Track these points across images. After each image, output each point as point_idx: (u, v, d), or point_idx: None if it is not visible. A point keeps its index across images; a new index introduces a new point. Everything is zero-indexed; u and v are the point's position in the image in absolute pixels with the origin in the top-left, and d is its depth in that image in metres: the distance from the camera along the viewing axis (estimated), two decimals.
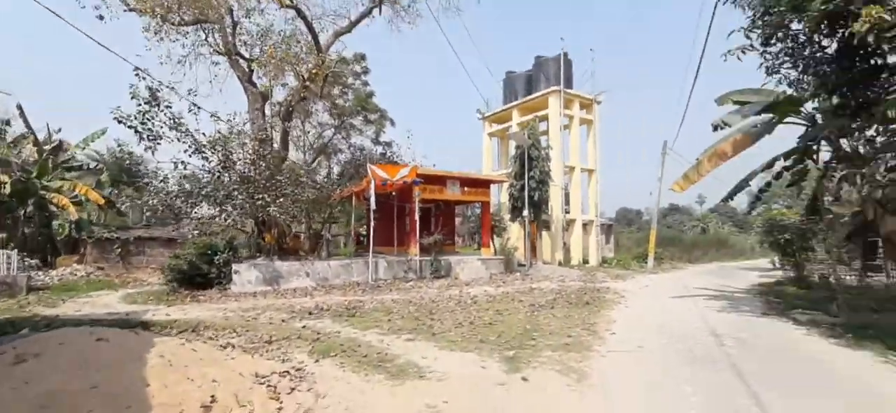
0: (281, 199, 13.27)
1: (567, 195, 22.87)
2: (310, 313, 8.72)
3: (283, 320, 8.07)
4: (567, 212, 22.10)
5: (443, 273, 16.23)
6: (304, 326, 7.50)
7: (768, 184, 11.45)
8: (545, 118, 21.74)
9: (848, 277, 10.33)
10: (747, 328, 7.81)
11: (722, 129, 9.70)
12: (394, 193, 17.78)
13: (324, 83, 17.27)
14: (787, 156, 10.43)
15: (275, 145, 16.09)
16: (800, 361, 5.79)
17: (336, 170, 23.96)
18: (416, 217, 16.15)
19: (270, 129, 15.93)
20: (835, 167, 9.57)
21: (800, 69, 7.23)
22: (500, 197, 22.10)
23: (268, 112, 16.94)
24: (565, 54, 21.89)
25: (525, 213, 17.97)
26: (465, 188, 18.50)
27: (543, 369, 5.30)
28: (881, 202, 8.61)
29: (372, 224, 15.58)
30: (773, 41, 7.35)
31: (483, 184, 18.82)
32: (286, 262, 13.60)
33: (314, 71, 15.81)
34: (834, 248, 9.06)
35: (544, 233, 22.10)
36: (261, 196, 12.94)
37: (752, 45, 7.42)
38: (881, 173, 6.00)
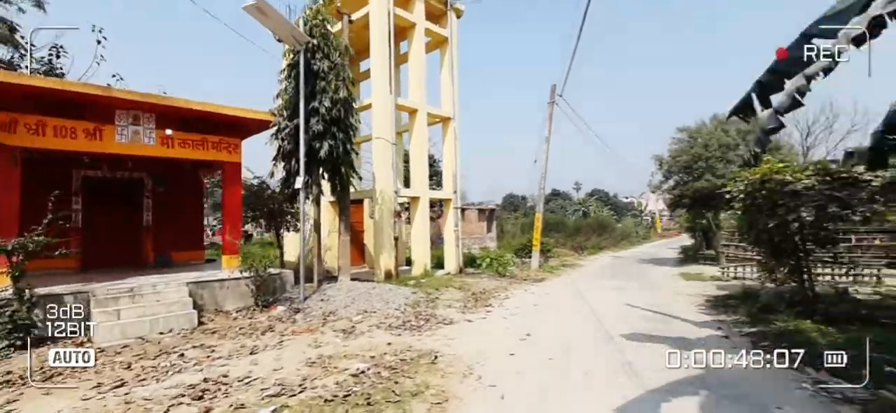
0: None
1: (406, 161, 14.24)
2: None
3: None
4: (405, 186, 13.49)
5: (37, 332, 6.26)
6: None
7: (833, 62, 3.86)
8: (366, 25, 12.48)
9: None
10: None
11: None
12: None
13: None
14: None
15: None
16: None
17: None
18: None
19: None
20: None
21: None
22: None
23: None
24: None
25: (298, 182, 8.80)
26: (173, 132, 8.66)
27: None
28: None
29: None
30: None
31: (221, 124, 9.17)
32: None
33: None
34: None
35: (370, 221, 13.26)
36: None
37: None
38: None
